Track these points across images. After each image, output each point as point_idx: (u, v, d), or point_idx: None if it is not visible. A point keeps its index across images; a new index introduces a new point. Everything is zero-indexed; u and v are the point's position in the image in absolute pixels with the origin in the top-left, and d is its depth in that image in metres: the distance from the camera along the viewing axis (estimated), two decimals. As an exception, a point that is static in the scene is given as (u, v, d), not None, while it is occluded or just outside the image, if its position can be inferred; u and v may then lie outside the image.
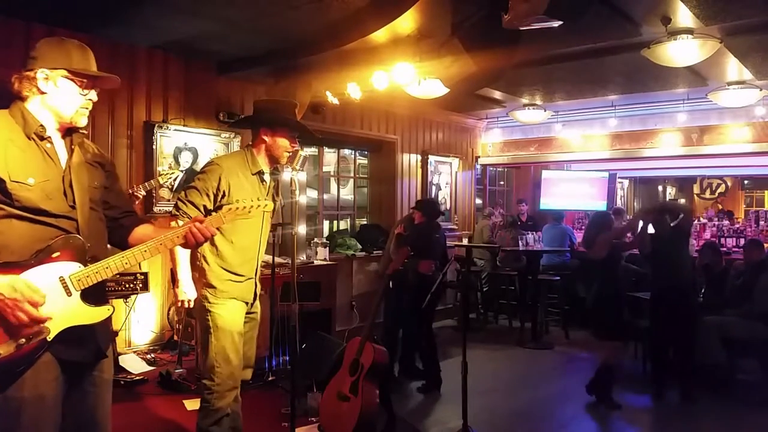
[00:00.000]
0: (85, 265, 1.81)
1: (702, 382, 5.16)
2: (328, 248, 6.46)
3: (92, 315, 1.83)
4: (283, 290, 4.78)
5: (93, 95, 1.95)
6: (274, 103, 3.15)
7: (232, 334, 2.94)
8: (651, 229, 5.15)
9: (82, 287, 1.79)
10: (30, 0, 4.25)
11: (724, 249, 7.24)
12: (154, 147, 5.32)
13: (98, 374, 1.96)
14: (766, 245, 5.87)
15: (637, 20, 4.26)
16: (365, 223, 8.06)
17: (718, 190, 14.06)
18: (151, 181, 4.58)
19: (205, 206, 2.86)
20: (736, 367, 5.34)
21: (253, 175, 3.00)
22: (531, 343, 6.71)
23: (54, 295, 1.74)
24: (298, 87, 5.64)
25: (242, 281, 3.00)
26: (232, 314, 2.96)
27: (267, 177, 3.07)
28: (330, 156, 7.84)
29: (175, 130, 5.49)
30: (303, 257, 6.06)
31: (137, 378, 4.69)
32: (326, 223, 7.70)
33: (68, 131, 1.94)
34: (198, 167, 5.68)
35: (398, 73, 4.77)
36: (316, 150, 7.46)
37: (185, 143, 5.59)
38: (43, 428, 1.77)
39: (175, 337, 5.28)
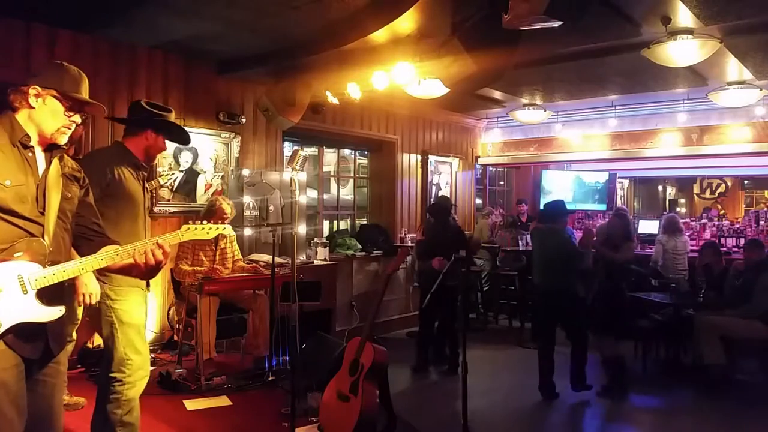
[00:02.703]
0: (44, 267, 1.93)
1: (702, 382, 5.17)
2: (328, 248, 6.46)
3: (44, 314, 1.93)
4: (283, 290, 4.78)
5: (77, 118, 2.09)
6: (160, 109, 3.20)
7: (138, 327, 3.00)
8: None
9: (38, 287, 1.90)
10: (30, 0, 4.25)
11: (724, 249, 7.24)
12: (154, 147, 5.31)
13: (54, 365, 2.08)
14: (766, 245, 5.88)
15: (637, 20, 4.26)
16: (365, 223, 8.06)
17: (718, 190, 14.05)
18: (152, 181, 4.57)
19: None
20: (736, 367, 5.34)
21: (129, 166, 3.04)
22: (531, 343, 6.70)
23: (10, 290, 1.86)
24: (298, 87, 5.64)
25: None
26: (134, 307, 2.99)
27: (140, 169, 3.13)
28: (330, 156, 7.84)
29: (175, 130, 5.48)
30: (303, 257, 6.06)
31: (137, 378, 4.68)
32: (326, 223, 7.70)
33: (49, 147, 2.07)
34: (198, 167, 5.69)
35: (398, 73, 4.77)
36: (316, 150, 7.47)
37: (185, 143, 5.58)
38: (8, 414, 1.86)
39: (175, 337, 5.28)
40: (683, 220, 9.62)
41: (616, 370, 5.04)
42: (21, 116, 2.01)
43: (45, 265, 1.93)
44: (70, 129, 2.07)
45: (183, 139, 3.38)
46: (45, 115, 2.02)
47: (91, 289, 2.85)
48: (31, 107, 2.00)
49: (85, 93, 2.11)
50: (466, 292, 6.02)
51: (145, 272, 2.10)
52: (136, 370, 2.94)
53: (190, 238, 2.15)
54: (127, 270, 2.13)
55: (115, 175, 2.95)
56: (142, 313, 3.06)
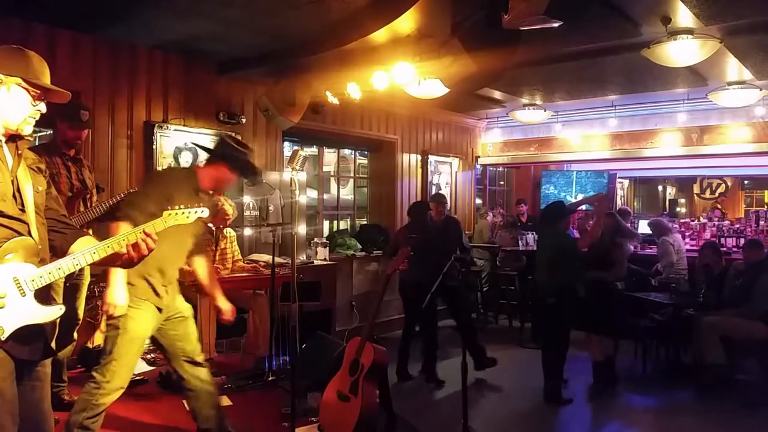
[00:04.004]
0: (37, 267, 1.87)
1: (702, 382, 5.17)
2: (328, 248, 6.46)
3: (45, 314, 1.89)
4: (283, 290, 4.78)
5: (42, 107, 1.97)
6: (242, 146, 3.38)
7: (139, 340, 3.04)
8: None
9: (36, 288, 1.84)
10: (30, 0, 4.25)
11: (724, 249, 7.25)
12: (154, 147, 5.32)
13: (41, 369, 2.03)
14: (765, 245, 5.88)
15: (637, 20, 4.26)
16: (365, 223, 8.06)
17: (718, 190, 14.05)
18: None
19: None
20: (736, 367, 5.34)
21: (189, 192, 3.08)
22: (531, 343, 6.70)
23: (8, 294, 1.80)
24: (298, 87, 5.64)
25: (156, 286, 3.07)
26: (145, 320, 3.04)
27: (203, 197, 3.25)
28: (330, 156, 7.85)
29: (175, 130, 5.49)
30: (303, 257, 6.06)
31: (137, 378, 4.68)
32: (326, 223, 7.70)
33: (12, 137, 1.96)
34: (198, 167, 5.69)
35: (398, 73, 4.77)
36: (316, 150, 7.47)
37: (185, 143, 5.58)
38: (5, 423, 1.83)
39: (175, 337, 5.27)
40: (683, 220, 9.63)
41: (606, 370, 5.05)
42: None
43: (37, 264, 1.88)
44: (35, 119, 1.96)
45: (254, 178, 3.59)
46: (10, 104, 1.89)
47: (118, 302, 2.86)
48: None
49: (48, 79, 1.98)
50: (467, 292, 5.93)
51: (130, 261, 2.06)
52: (116, 380, 2.96)
53: (173, 223, 2.18)
54: (110, 261, 2.06)
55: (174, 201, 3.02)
56: (149, 329, 3.09)
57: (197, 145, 3.58)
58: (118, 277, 2.90)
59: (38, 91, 1.93)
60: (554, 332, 4.96)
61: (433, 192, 8.33)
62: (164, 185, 3.05)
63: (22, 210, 1.90)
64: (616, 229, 5.49)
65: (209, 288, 3.46)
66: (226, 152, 3.26)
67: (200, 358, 3.30)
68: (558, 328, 4.94)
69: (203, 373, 3.28)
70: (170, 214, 2.17)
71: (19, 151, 1.97)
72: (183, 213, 2.19)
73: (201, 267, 3.43)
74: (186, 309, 3.29)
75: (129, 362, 3.03)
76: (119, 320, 2.95)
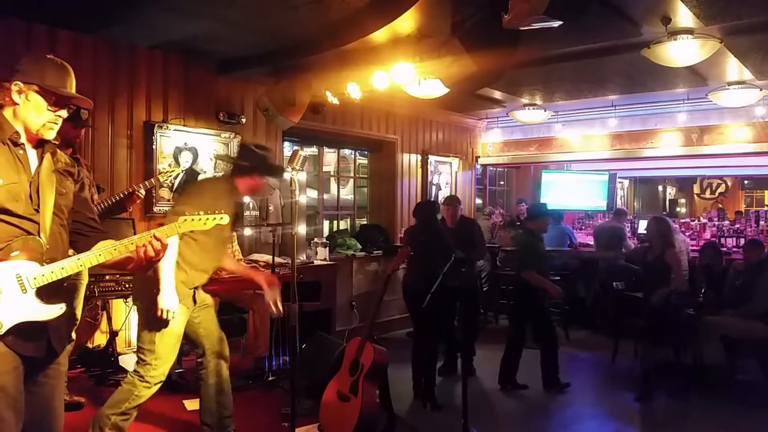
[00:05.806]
0: (42, 266, 1.92)
1: (702, 382, 5.17)
2: (328, 248, 6.46)
3: (45, 312, 1.92)
4: (283, 290, 4.77)
5: (63, 113, 2.04)
6: (268, 152, 3.58)
7: (179, 337, 3.26)
8: None
9: (37, 285, 1.89)
10: (31, 0, 4.25)
11: (724, 249, 7.24)
12: (154, 147, 5.32)
13: (55, 366, 2.07)
14: (766, 245, 5.88)
15: (637, 20, 4.26)
16: (365, 223, 8.06)
17: (718, 190, 14.07)
18: (151, 179, 4.57)
19: None
20: (736, 367, 5.34)
21: (231, 203, 3.32)
22: (531, 343, 6.69)
23: (9, 290, 1.86)
24: (298, 87, 5.64)
25: (190, 287, 3.31)
26: (183, 318, 3.26)
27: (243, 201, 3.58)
28: (330, 156, 7.84)
29: (175, 130, 5.49)
30: (303, 257, 6.06)
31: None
32: (326, 223, 7.70)
33: (39, 142, 2.04)
34: (198, 167, 5.69)
35: (398, 73, 4.77)
36: (316, 150, 7.47)
37: (185, 143, 5.58)
38: (6, 418, 1.86)
39: (175, 337, 5.28)
40: (683, 220, 9.63)
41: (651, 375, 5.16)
42: (7, 113, 1.98)
43: (43, 263, 1.92)
44: (56, 124, 2.03)
45: (282, 176, 3.78)
46: (29, 111, 1.97)
47: (170, 306, 3.07)
48: (15, 104, 1.96)
49: (70, 86, 2.05)
50: (466, 292, 5.88)
51: (141, 266, 2.08)
52: (160, 374, 3.16)
53: (188, 229, 2.09)
54: (122, 264, 2.09)
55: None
56: (185, 324, 3.29)
57: (228, 158, 3.77)
58: (167, 283, 3.09)
59: (54, 98, 1.99)
60: (517, 327, 5.39)
61: (433, 192, 8.34)
62: (211, 198, 3.14)
63: (37, 210, 1.95)
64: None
65: (245, 273, 3.83)
66: (257, 162, 3.43)
67: (220, 349, 3.49)
68: (516, 319, 5.39)
69: (221, 365, 3.48)
70: (185, 220, 2.08)
71: (44, 154, 2.03)
72: (200, 219, 2.10)
73: (230, 262, 3.76)
74: (208, 298, 3.51)
75: (170, 358, 3.23)
76: (161, 321, 3.09)
